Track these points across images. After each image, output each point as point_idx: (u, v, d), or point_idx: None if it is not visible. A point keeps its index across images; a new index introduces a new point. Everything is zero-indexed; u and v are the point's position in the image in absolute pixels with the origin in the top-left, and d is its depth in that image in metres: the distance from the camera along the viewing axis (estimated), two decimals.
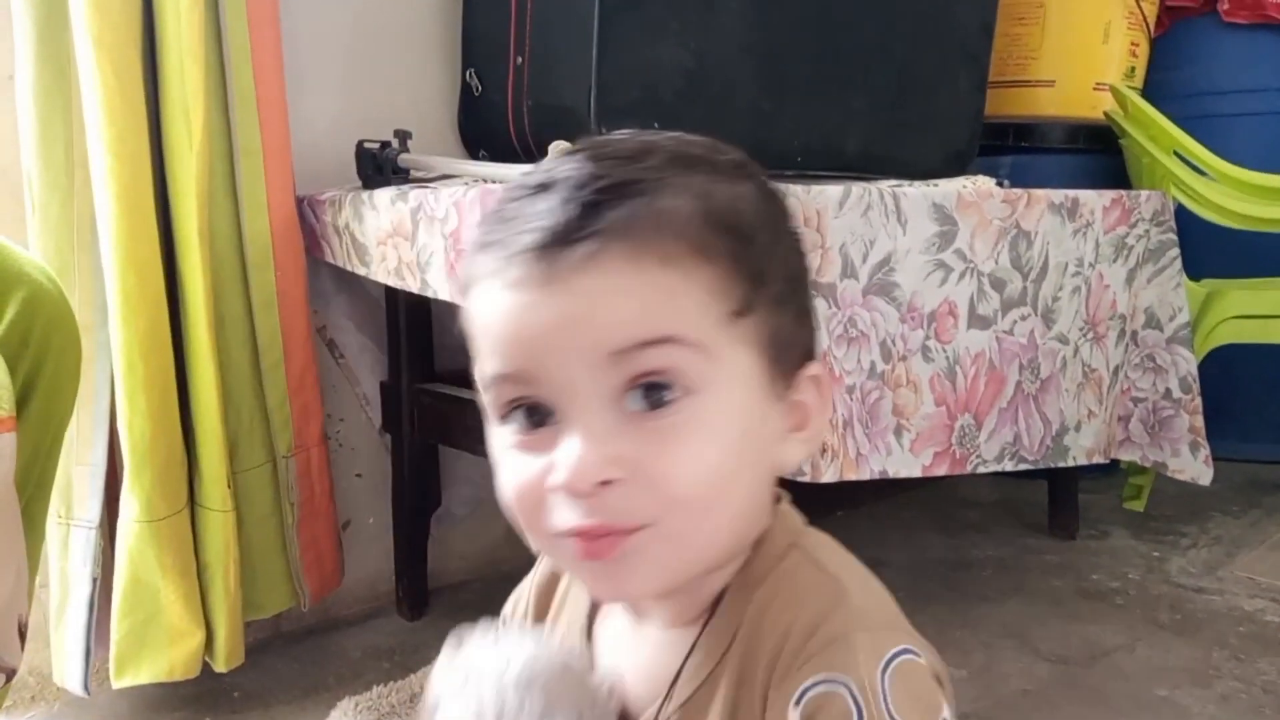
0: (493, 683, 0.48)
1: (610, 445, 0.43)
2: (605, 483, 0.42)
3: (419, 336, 1.37)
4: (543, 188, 0.44)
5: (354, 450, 1.47)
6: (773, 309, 0.46)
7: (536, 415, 0.44)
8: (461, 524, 1.55)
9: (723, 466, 0.44)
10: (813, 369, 0.49)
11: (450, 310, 1.40)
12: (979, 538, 1.71)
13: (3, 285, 0.72)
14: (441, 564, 1.52)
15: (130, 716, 1.18)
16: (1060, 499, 1.72)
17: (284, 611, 1.34)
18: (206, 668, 1.18)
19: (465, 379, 1.29)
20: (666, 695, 0.49)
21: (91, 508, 1.11)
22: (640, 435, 0.43)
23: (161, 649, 1.11)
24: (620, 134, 0.48)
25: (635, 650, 0.51)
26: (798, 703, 0.42)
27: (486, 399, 0.46)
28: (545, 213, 0.43)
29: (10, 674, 0.66)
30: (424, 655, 1.27)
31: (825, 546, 0.49)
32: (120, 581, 1.10)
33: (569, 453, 0.43)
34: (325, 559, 1.32)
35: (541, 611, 0.57)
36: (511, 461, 0.46)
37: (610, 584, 0.46)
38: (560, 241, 0.42)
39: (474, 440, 1.23)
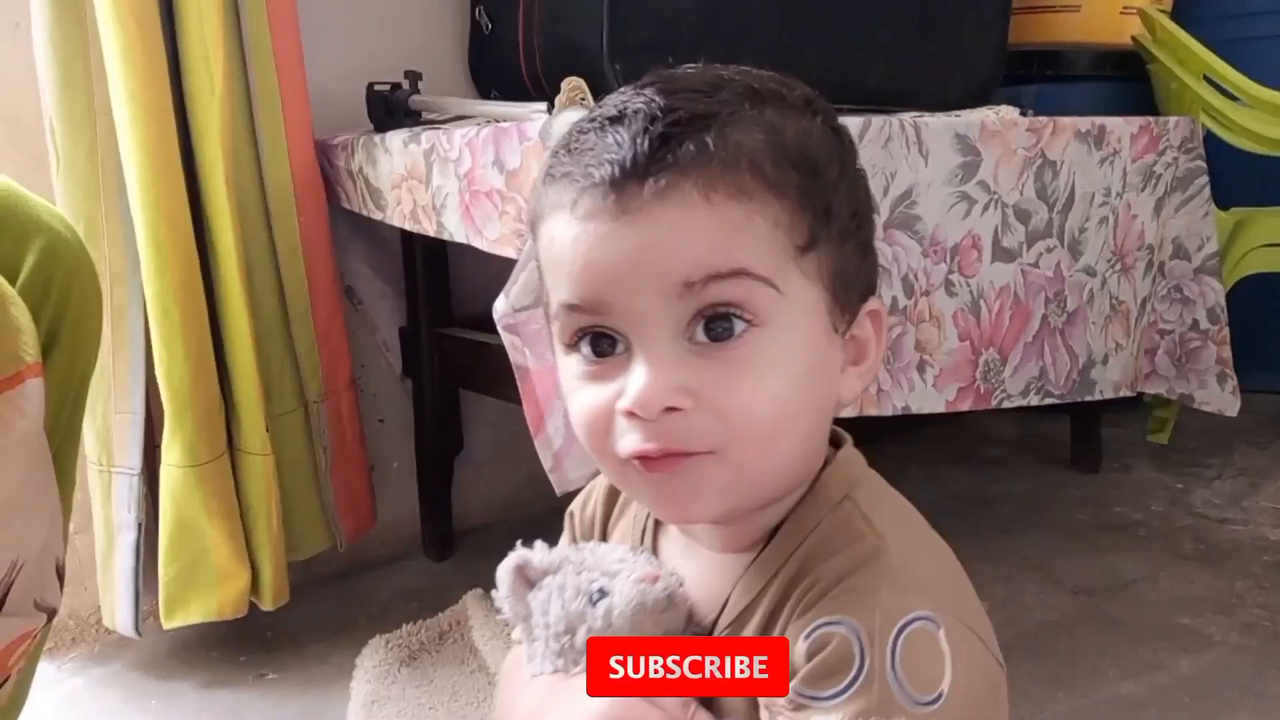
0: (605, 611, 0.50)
1: (678, 374, 0.44)
2: (671, 409, 0.44)
3: (437, 281, 1.37)
4: (614, 121, 0.45)
5: (376, 396, 1.48)
6: (838, 244, 0.47)
7: (603, 344, 0.46)
8: (484, 467, 1.56)
9: (787, 399, 0.45)
10: (872, 304, 0.50)
11: (467, 254, 1.39)
12: (1001, 473, 1.71)
13: (22, 234, 0.72)
14: (466, 507, 1.53)
15: (169, 656, 1.22)
16: (1082, 433, 1.72)
17: (314, 556, 1.36)
18: None
19: (484, 323, 1.28)
20: (719, 614, 0.50)
21: (133, 455, 1.13)
22: (707, 366, 0.44)
23: (209, 589, 1.14)
24: (689, 68, 0.48)
25: (690, 567, 0.53)
26: (807, 637, 0.43)
27: (555, 327, 0.47)
28: (618, 145, 0.44)
29: (51, 614, 0.67)
30: (451, 595, 1.29)
31: (881, 499, 0.49)
32: (166, 526, 1.12)
33: (637, 379, 0.44)
34: (359, 501, 1.34)
35: (609, 510, 0.60)
36: (579, 389, 0.47)
37: (673, 506, 0.47)
38: (634, 174, 0.43)
39: (494, 383, 1.24)
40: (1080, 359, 1.37)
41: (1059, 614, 1.21)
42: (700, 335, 0.44)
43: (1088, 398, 1.40)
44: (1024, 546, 1.40)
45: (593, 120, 0.46)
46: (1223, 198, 1.62)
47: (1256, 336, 1.76)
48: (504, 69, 1.35)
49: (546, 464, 0.90)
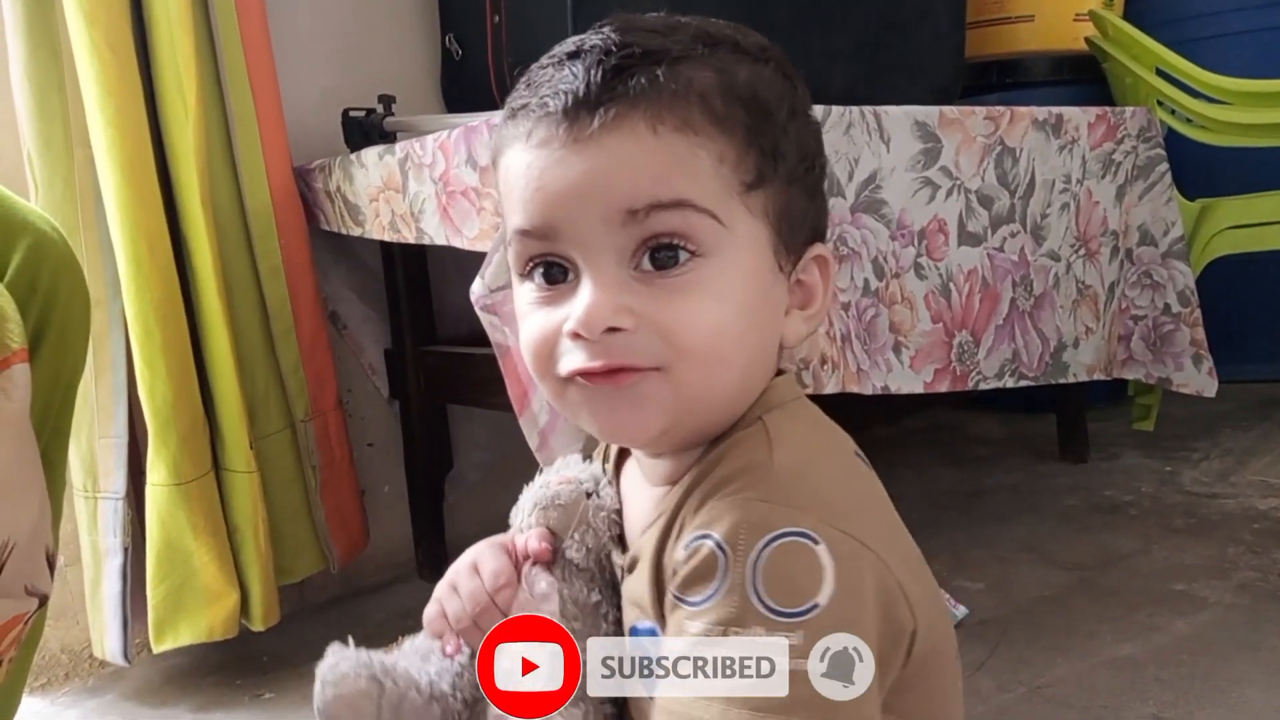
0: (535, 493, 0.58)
1: (621, 296, 0.46)
2: (614, 330, 0.45)
3: (419, 300, 1.39)
4: (572, 56, 0.47)
5: (364, 420, 1.49)
6: (785, 185, 0.49)
7: (554, 273, 0.48)
8: (476, 488, 1.57)
9: (729, 325, 0.47)
10: (819, 249, 0.52)
11: (448, 276, 1.42)
12: (991, 468, 1.72)
13: (7, 232, 0.74)
14: (459, 529, 1.53)
15: (164, 684, 1.21)
16: (1069, 426, 1.73)
17: (308, 581, 1.36)
18: (235, 636, 1.20)
19: (468, 342, 1.29)
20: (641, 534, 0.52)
21: (117, 479, 1.13)
22: (651, 292, 0.46)
23: (199, 610, 1.13)
24: (649, 15, 0.51)
25: (635, 501, 0.56)
26: (686, 546, 0.45)
27: (510, 255, 0.50)
28: (573, 77, 0.46)
29: (43, 600, 0.68)
30: None
31: (793, 420, 0.50)
32: (153, 547, 1.12)
33: (581, 301, 0.46)
34: (350, 522, 1.34)
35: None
36: (530, 314, 0.49)
37: (614, 421, 0.48)
38: (586, 104, 0.45)
39: (482, 393, 1.25)
40: (1051, 342, 1.39)
41: (1054, 589, 1.21)
42: (645, 264, 0.46)
43: (1061, 380, 1.42)
44: (1016, 531, 1.40)
45: (552, 56, 0.49)
46: (1185, 193, 1.66)
47: (1230, 326, 1.79)
48: (476, 90, 1.39)
49: (533, 442, 0.91)
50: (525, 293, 0.49)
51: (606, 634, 0.54)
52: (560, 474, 0.57)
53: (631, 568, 0.52)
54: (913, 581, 0.47)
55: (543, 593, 0.53)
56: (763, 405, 0.50)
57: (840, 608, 0.42)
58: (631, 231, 0.45)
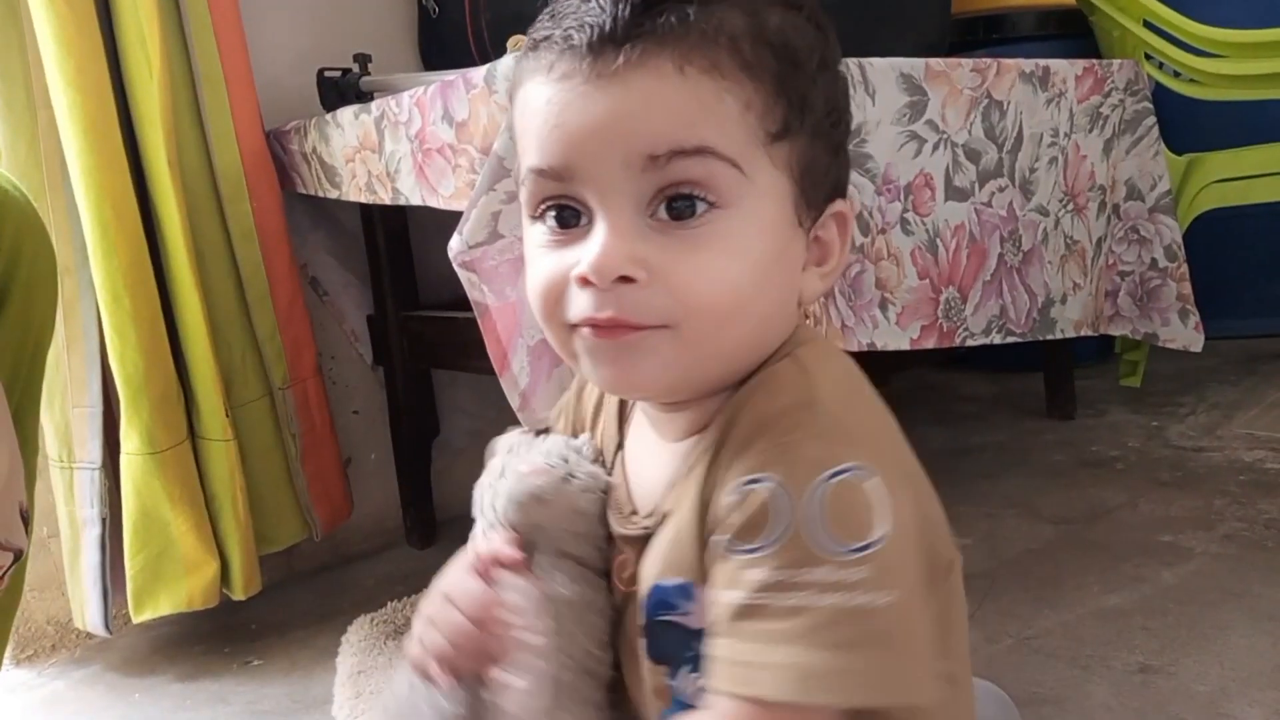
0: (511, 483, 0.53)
1: (635, 245, 0.44)
2: (625, 279, 0.44)
3: (400, 265, 1.37)
4: None
5: (348, 388, 1.47)
6: (810, 138, 0.47)
7: (567, 216, 0.46)
8: (463, 454, 1.56)
9: (743, 281, 0.45)
10: (839, 206, 0.50)
11: (430, 242, 1.40)
12: (979, 425, 1.72)
13: None
14: (448, 496, 1.52)
15: (151, 653, 1.20)
16: (1056, 384, 1.73)
17: (295, 549, 1.35)
18: (223, 605, 1.19)
19: (451, 307, 1.26)
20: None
21: (93, 449, 1.12)
22: (665, 243, 0.44)
23: (178, 580, 1.12)
24: None
25: (652, 460, 0.53)
26: (734, 492, 0.44)
27: (523, 195, 0.48)
28: (600, 9, 0.44)
29: (17, 554, 0.67)
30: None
31: (824, 356, 0.49)
32: (129, 516, 1.11)
33: (593, 246, 0.44)
34: (333, 490, 1.32)
35: (580, 422, 0.60)
36: (539, 257, 0.47)
37: (618, 374, 0.47)
38: (612, 40, 0.44)
39: (466, 358, 1.24)
40: (1039, 298, 1.38)
41: (1041, 542, 1.21)
42: (662, 213, 0.45)
43: (1049, 336, 1.42)
44: (1004, 487, 1.40)
45: None
46: (1172, 145, 1.64)
47: (1217, 281, 1.78)
48: (453, 48, 1.37)
49: (514, 403, 0.90)
50: (535, 235, 0.48)
51: (605, 610, 0.52)
52: (529, 462, 0.53)
53: (659, 525, 0.50)
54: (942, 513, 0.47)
55: (516, 605, 0.51)
56: (790, 342, 0.49)
57: (898, 540, 0.42)
58: (651, 177, 0.44)
